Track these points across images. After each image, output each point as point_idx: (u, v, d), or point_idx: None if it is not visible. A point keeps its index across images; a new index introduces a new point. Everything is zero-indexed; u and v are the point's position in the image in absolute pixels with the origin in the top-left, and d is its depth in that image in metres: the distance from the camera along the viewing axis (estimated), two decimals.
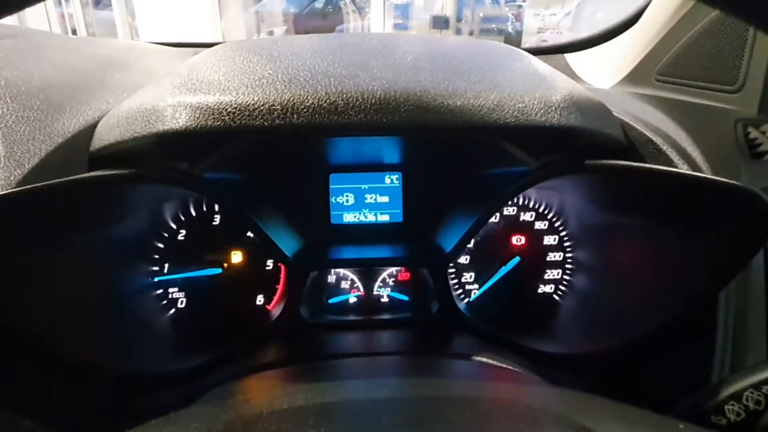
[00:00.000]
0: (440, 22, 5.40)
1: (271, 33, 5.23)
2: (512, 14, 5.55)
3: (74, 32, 4.79)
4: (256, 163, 0.73)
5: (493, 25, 5.47)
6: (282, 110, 0.54)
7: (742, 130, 0.67)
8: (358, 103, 0.54)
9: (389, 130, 0.56)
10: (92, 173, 0.56)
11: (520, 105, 0.57)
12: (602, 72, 1.02)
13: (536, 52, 0.90)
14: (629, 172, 0.60)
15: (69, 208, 0.59)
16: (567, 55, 1.14)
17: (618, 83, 0.96)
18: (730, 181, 0.53)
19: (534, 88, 0.60)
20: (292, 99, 0.54)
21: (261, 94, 0.55)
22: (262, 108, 0.54)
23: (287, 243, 0.75)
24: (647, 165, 0.62)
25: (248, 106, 0.54)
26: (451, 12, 5.53)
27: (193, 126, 0.54)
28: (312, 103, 0.54)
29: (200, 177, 0.64)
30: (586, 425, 0.34)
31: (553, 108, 0.58)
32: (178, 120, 0.54)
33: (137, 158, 0.60)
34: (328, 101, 0.54)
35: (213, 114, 0.54)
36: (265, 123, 0.54)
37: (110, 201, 0.66)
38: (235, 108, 0.54)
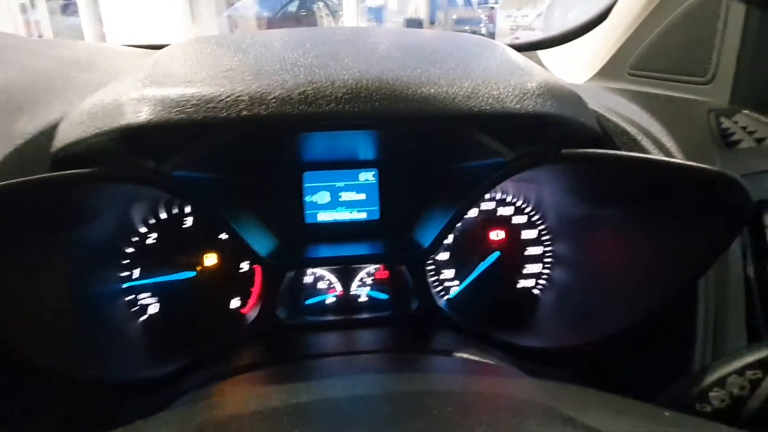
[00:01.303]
0: (414, 25, 5.44)
1: None
2: (485, 16, 5.62)
3: None
4: (228, 161, 0.71)
5: (467, 27, 5.52)
6: (249, 101, 0.52)
7: (715, 120, 0.67)
8: (328, 92, 0.53)
9: (361, 120, 0.54)
10: (53, 173, 0.54)
11: (494, 92, 0.56)
12: (575, 68, 1.02)
13: None
14: (606, 160, 0.60)
15: (29, 210, 0.56)
16: (539, 53, 1.14)
17: (591, 78, 0.97)
18: (707, 166, 0.52)
19: (509, 76, 0.59)
20: (259, 90, 0.52)
21: (227, 86, 0.52)
22: (227, 99, 0.51)
23: (261, 243, 0.73)
24: (624, 152, 0.62)
25: (213, 98, 0.51)
26: (424, 14, 5.59)
27: (156, 120, 0.51)
28: (280, 94, 0.52)
29: (169, 176, 0.61)
30: (571, 415, 0.33)
31: (529, 95, 0.57)
32: (139, 114, 0.51)
33: (102, 158, 0.57)
34: (297, 91, 0.52)
35: (176, 106, 0.51)
36: (231, 115, 0.51)
37: (74, 203, 0.63)
38: (200, 100, 0.51)
